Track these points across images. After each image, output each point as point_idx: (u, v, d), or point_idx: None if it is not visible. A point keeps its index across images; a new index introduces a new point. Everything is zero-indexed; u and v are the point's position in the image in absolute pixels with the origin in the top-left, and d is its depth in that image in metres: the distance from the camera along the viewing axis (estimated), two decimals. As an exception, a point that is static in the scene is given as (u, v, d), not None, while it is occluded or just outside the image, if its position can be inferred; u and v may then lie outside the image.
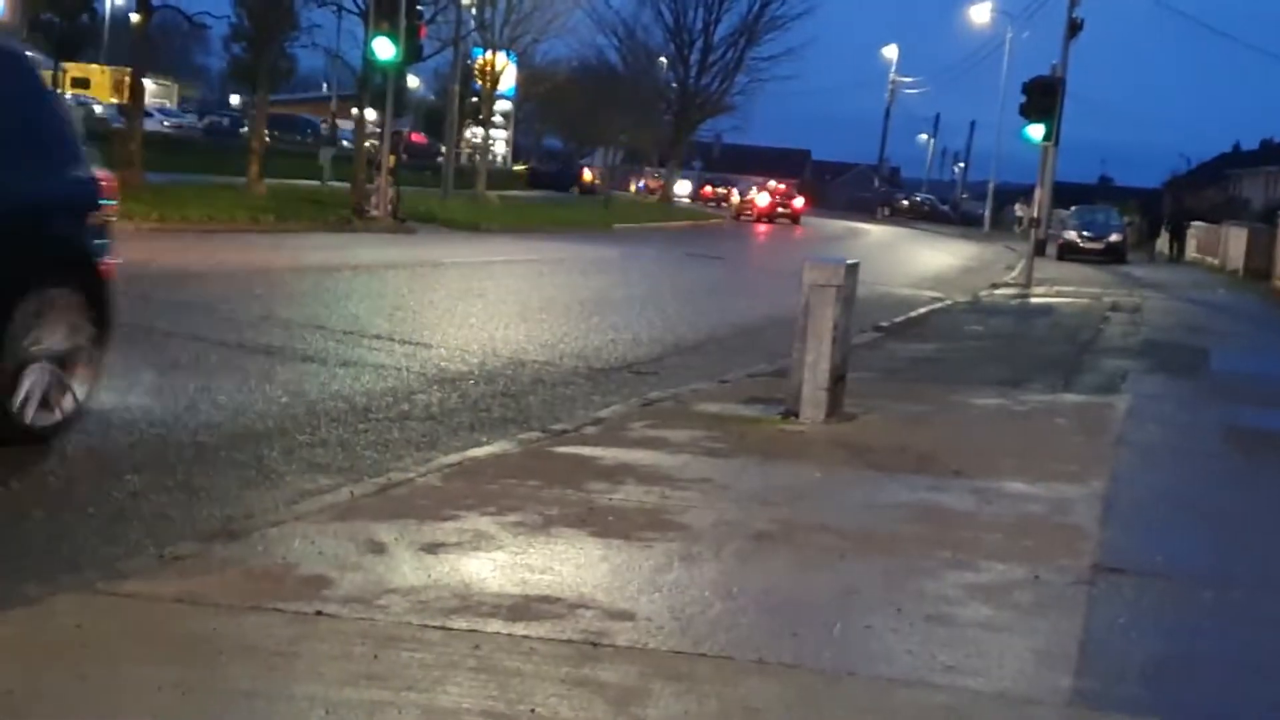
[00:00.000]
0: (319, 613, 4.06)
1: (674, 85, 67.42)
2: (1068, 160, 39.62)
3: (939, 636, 4.22)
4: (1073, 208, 45.86)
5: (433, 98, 69.43)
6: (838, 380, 8.24)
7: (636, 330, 13.32)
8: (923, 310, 18.00)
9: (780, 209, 57.04)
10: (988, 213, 66.79)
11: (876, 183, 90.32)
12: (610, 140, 72.97)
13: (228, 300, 12.70)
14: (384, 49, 26.99)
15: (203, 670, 3.54)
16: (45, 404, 6.38)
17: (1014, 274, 28.40)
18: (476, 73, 47.93)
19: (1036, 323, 17.84)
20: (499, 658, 3.78)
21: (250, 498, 5.80)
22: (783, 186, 57.89)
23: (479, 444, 7.07)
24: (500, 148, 65.37)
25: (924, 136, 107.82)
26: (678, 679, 3.72)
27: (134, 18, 31.73)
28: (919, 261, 36.34)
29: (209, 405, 7.65)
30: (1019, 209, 53.44)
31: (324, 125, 61.78)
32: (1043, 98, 24.25)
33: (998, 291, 24.03)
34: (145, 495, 5.69)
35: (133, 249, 16.72)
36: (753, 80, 67.14)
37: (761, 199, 57.70)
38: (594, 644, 3.95)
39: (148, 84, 33.36)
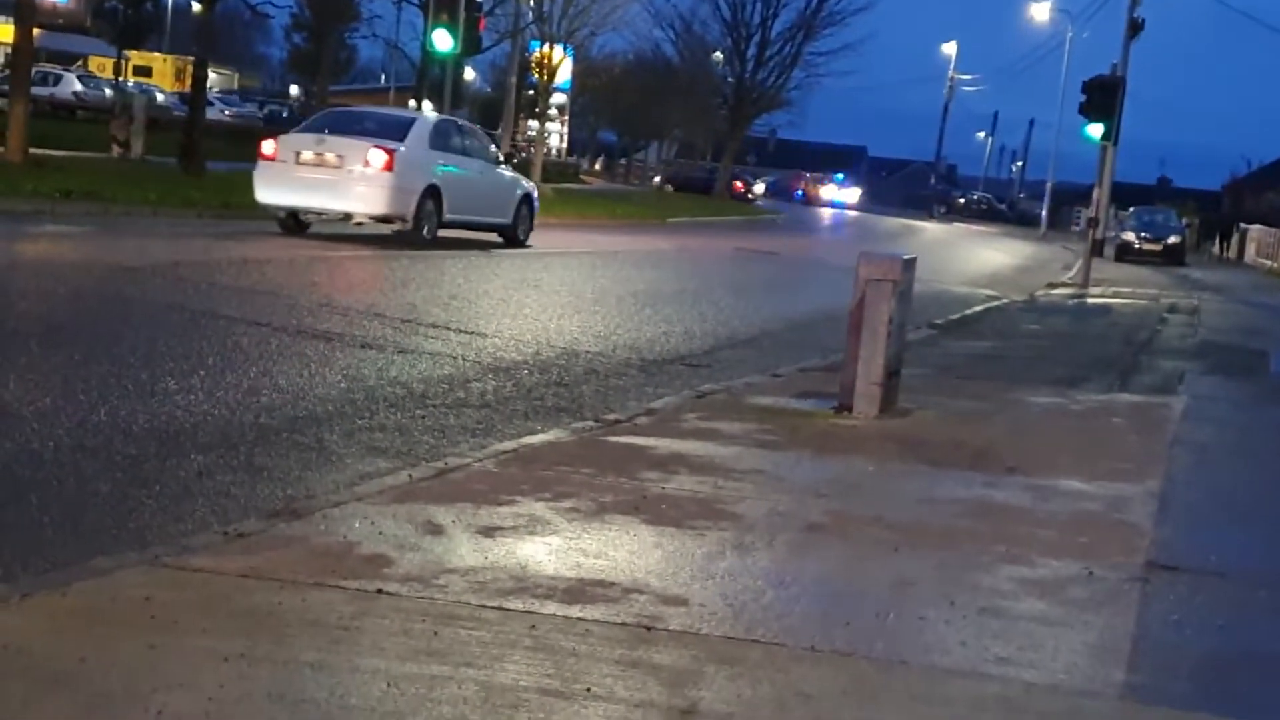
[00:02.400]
0: (380, 591, 4.13)
1: (730, 80, 67.31)
2: (1126, 160, 39.27)
3: (992, 629, 4.25)
4: (1131, 209, 45.52)
5: (489, 90, 69.73)
6: (892, 375, 8.25)
7: (689, 323, 13.37)
8: (979, 308, 17.95)
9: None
10: (1045, 212, 66.34)
11: (933, 180, 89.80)
12: (665, 134, 72.92)
13: (288, 287, 12.85)
14: (443, 41, 27.18)
15: (268, 643, 3.62)
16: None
17: (1071, 274, 28.25)
18: (533, 65, 48.11)
19: (1093, 323, 17.75)
20: (555, 638, 3.84)
21: (311, 478, 5.89)
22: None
23: (533, 432, 7.14)
24: (555, 140, 65.49)
25: (982, 134, 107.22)
26: (731, 663, 3.77)
27: (196, 6, 32.10)
28: (975, 260, 36.18)
29: (271, 388, 7.77)
30: (1083, 212, 53.17)
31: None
32: (1102, 97, 24.10)
33: (1054, 291, 23.92)
34: (210, 474, 5.79)
35: (197, 236, 16.93)
36: (809, 75, 66.97)
37: None
38: (648, 628, 4.00)
39: (209, 73, 33.64)
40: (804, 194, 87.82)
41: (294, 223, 19.30)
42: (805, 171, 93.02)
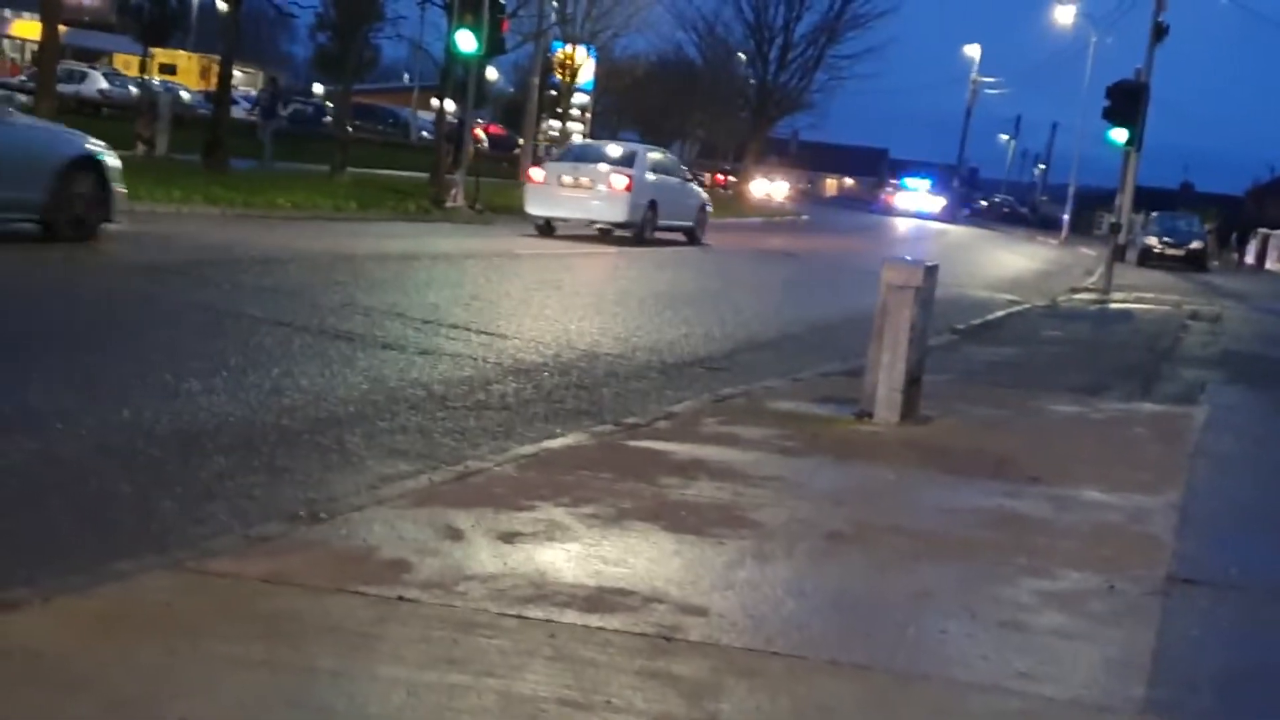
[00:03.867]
0: (400, 597, 4.14)
1: (752, 81, 67.23)
2: (1150, 165, 39.19)
3: (1013, 642, 4.23)
4: (1153, 214, 45.35)
5: (512, 90, 69.81)
6: (913, 382, 8.24)
7: (709, 325, 13.36)
8: (1000, 314, 17.89)
9: None
10: (1067, 216, 66.11)
11: (955, 183, 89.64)
12: (687, 135, 72.89)
13: (310, 287, 12.89)
14: (466, 42, 27.22)
15: (289, 649, 3.63)
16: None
17: (1093, 279, 28.12)
18: (556, 66, 48.14)
19: (1115, 329, 17.68)
20: (574, 647, 3.84)
21: (333, 481, 5.90)
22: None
23: (553, 435, 7.15)
24: (577, 140, 65.53)
25: (1004, 137, 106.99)
26: (750, 675, 3.76)
27: (221, 5, 32.23)
28: (996, 264, 36.07)
29: (292, 389, 7.78)
30: (1105, 217, 52.85)
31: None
32: (1126, 102, 24.01)
33: (1076, 296, 23.83)
34: (231, 476, 5.81)
35: (221, 235, 16.98)
36: (832, 78, 66.81)
37: None
38: (667, 638, 4.00)
39: (234, 71, 33.74)
40: (884, 205, 77.56)
41: (548, 227, 25.60)
42: (892, 179, 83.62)
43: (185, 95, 48.60)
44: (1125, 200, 28.37)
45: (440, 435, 7.06)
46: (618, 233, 25.38)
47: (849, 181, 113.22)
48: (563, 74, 48.51)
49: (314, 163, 32.01)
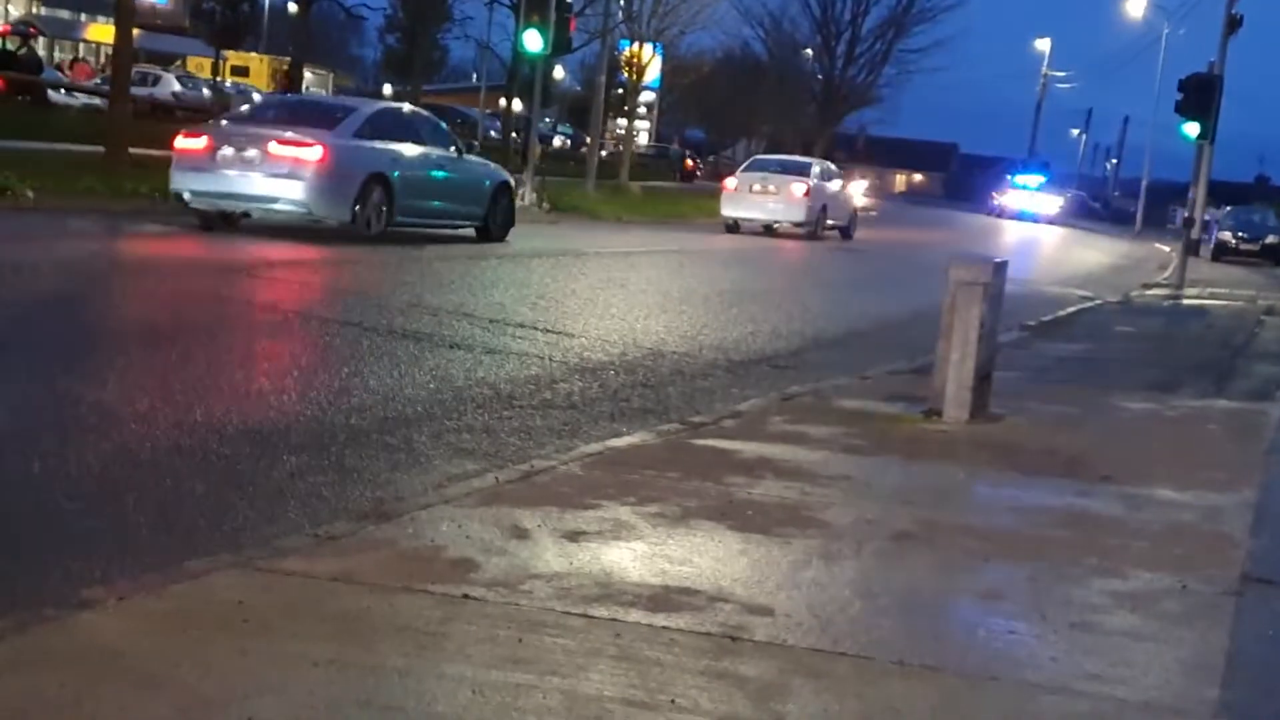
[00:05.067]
0: (466, 596, 4.16)
1: (819, 77, 66.94)
2: (1224, 158, 38.53)
3: (1084, 644, 4.19)
4: (1227, 208, 44.73)
5: (579, 89, 69.98)
6: (983, 379, 8.17)
7: (776, 323, 13.32)
8: (1072, 310, 17.72)
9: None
10: (1140, 211, 65.28)
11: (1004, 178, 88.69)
12: (753, 132, 72.71)
13: (378, 286, 12.98)
14: (533, 41, 27.37)
15: (357, 648, 3.66)
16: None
17: (1166, 274, 27.80)
18: (623, 64, 48.20)
19: (1189, 325, 17.45)
20: (639, 647, 3.84)
21: (400, 480, 5.95)
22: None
23: (619, 434, 7.15)
24: (643, 139, 65.59)
25: (1076, 131, 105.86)
26: (817, 676, 3.75)
27: (292, 7, 32.52)
28: (1068, 259, 35.71)
29: (361, 389, 7.85)
30: (1179, 211, 51.90)
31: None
32: (1199, 95, 23.69)
33: (1149, 292, 23.56)
34: (301, 475, 5.87)
35: (295, 237, 17.16)
36: (900, 72, 66.42)
37: None
38: (733, 638, 3.99)
39: (304, 73, 34.05)
40: (997, 206, 67.06)
41: (735, 226, 30.88)
42: (1009, 177, 72.11)
43: (257, 98, 49.11)
44: (1199, 194, 27.94)
45: (506, 434, 7.09)
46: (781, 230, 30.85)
47: (917, 177, 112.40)
48: (629, 72, 48.55)
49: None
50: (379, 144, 17.59)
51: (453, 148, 19.32)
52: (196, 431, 6.45)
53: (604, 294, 14.50)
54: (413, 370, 8.61)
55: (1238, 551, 5.42)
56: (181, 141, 17.23)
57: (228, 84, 38.50)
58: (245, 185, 16.52)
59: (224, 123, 18.58)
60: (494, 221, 19.76)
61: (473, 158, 20.51)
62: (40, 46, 54.90)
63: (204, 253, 15.27)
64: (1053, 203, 68.31)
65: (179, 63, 59.86)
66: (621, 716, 3.36)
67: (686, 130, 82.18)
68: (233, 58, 60.74)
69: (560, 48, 29.53)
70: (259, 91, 53.35)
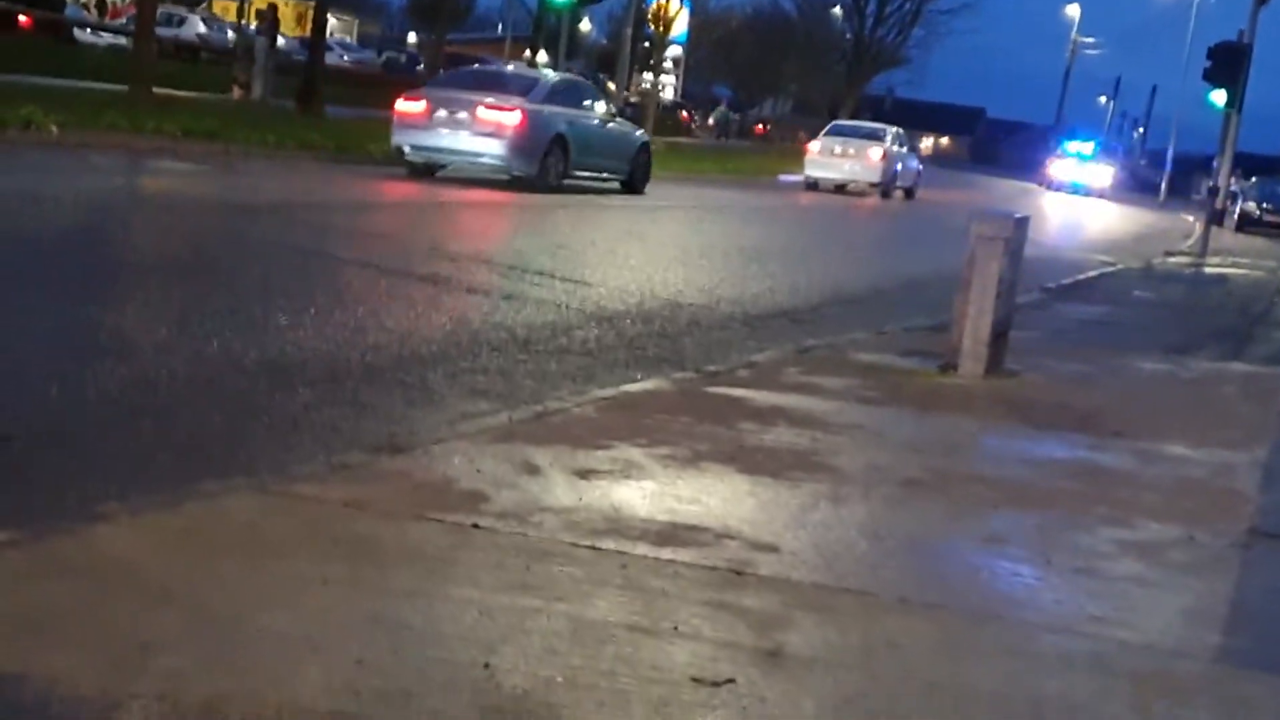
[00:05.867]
0: (476, 525, 4.20)
1: (848, 36, 66.53)
2: (1251, 129, 38.26)
3: (1088, 588, 4.21)
4: (1254, 178, 44.45)
5: (605, 41, 69.65)
6: (1000, 336, 8.16)
7: (795, 279, 13.31)
8: (1093, 274, 17.66)
9: None
10: (1165, 180, 64.84)
11: (1052, 145, 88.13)
12: (780, 90, 72.35)
13: (399, 231, 13.02)
14: (561, -9, 27.25)
15: (367, 570, 3.70)
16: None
17: (1189, 242, 27.66)
18: (650, 17, 47.94)
19: (1209, 292, 17.40)
20: (645, 578, 3.88)
21: (414, 416, 5.99)
22: None
23: (634, 380, 7.18)
24: (669, 94, 65.26)
25: (1103, 99, 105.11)
26: (819, 610, 3.78)
27: (318, -49, 32.40)
28: (1092, 225, 35.58)
29: (378, 329, 7.89)
30: (1204, 181, 50.99)
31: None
32: (1227, 63, 23.54)
33: (1171, 259, 23.45)
34: (317, 408, 5.91)
35: (314, 180, 17.22)
36: (929, 34, 65.98)
37: None
38: (738, 572, 4.03)
39: (329, 19, 33.93)
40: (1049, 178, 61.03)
41: (815, 184, 34.65)
42: (1060, 145, 65.47)
43: (281, 41, 48.97)
44: (1224, 164, 27.80)
45: (521, 377, 7.13)
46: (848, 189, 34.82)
47: (944, 141, 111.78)
48: (656, 25, 48.31)
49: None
50: (559, 109, 21.03)
51: (607, 112, 23.13)
52: (216, 363, 6.49)
53: (623, 246, 14.51)
54: (430, 312, 8.66)
55: (1247, 507, 5.43)
56: (402, 105, 20.58)
57: (251, 27, 38.36)
58: (455, 142, 19.97)
59: (433, 88, 21.90)
60: (636, 176, 23.34)
61: (621, 120, 24.12)
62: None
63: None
64: (1103, 174, 61.54)
65: (204, 5, 59.72)
66: (625, 641, 3.40)
67: (713, 87, 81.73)
68: (257, 1, 60.52)
69: (587, -1, 29.43)
70: (283, 35, 53.25)
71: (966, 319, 8.04)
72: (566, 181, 21.01)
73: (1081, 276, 16.81)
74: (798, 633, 3.58)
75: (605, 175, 22.62)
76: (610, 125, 22.88)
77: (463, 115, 19.84)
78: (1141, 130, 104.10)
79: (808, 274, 13.77)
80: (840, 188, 34.68)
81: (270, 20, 32.85)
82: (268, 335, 7.26)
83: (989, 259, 8.01)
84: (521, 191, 19.77)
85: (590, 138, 21.74)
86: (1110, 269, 19.19)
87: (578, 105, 22.00)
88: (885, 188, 34.79)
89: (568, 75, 25.36)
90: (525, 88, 20.98)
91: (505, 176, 20.31)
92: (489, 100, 20.01)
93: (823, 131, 37.50)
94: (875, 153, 34.58)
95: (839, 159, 34.62)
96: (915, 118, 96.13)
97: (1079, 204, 49.07)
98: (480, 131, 19.78)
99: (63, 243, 10.09)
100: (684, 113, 67.23)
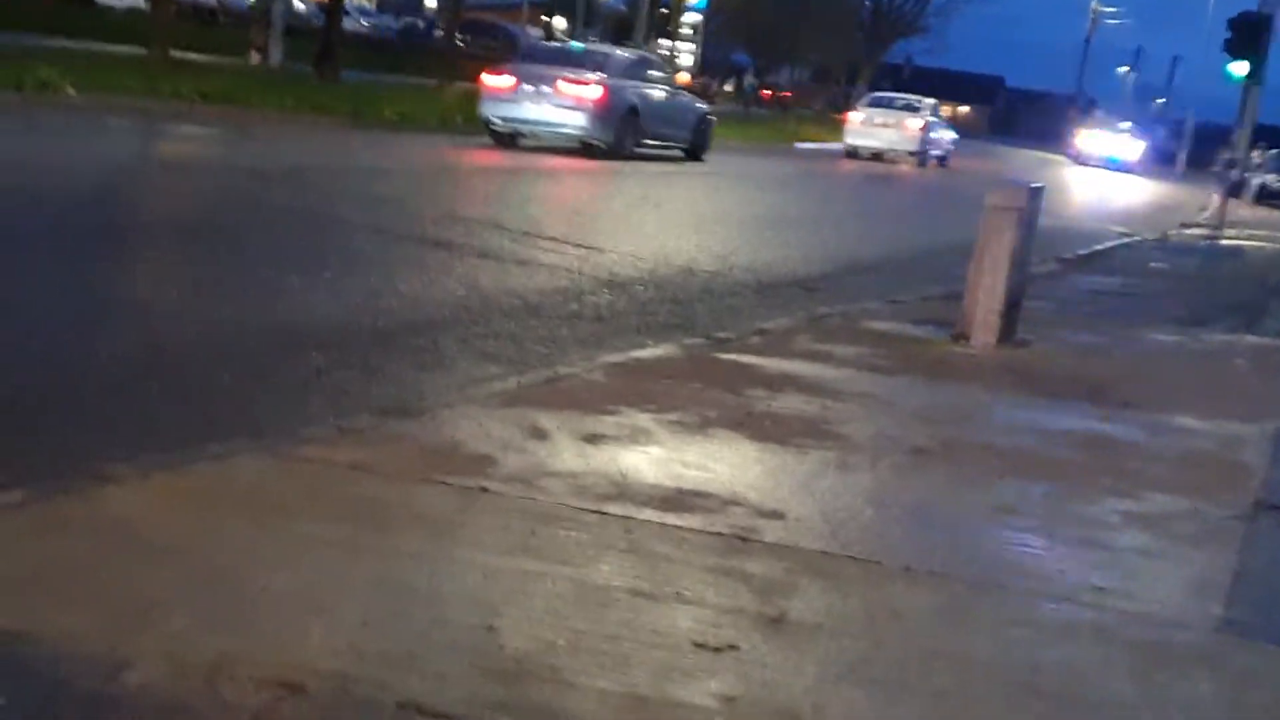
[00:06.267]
0: (482, 489, 4.21)
1: (867, 3, 66.20)
2: (1273, 101, 38.01)
3: (1092, 559, 4.22)
4: (1271, 151, 44.19)
5: (623, 8, 69.31)
6: (1012, 306, 8.15)
7: (809, 247, 13.29)
8: (1108, 245, 17.59)
9: None
10: (1184, 152, 64.44)
11: (1071, 115, 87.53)
12: (798, 58, 71.99)
13: (413, 196, 13.02)
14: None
15: (372, 531, 3.72)
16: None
17: (1206, 215, 27.50)
18: (668, -16, 47.67)
19: (1224, 264, 17.32)
20: (650, 543, 3.90)
21: (424, 380, 6.00)
22: None
23: (644, 346, 7.18)
24: (686, 60, 64.95)
25: (1124, 69, 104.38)
26: (823, 577, 3.79)
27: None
28: (1109, 197, 35.42)
29: (389, 293, 7.90)
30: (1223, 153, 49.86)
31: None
32: (1248, 35, 23.34)
33: (1187, 231, 23.34)
34: (326, 372, 5.93)
35: (329, 144, 17.21)
36: (949, 1, 65.59)
37: None
38: (743, 538, 4.04)
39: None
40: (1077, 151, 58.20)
41: (855, 153, 35.90)
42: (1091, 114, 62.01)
43: (300, 6, 48.77)
44: (1243, 136, 27.64)
45: (532, 342, 7.14)
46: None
47: (963, 110, 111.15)
48: (674, -8, 48.07)
49: (424, 76, 32.09)
50: (631, 82, 23.07)
51: (672, 85, 25.33)
52: (201, 322, 6.51)
53: (638, 212, 14.48)
54: (441, 278, 8.67)
55: (1254, 480, 5.42)
56: (488, 79, 22.44)
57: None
58: (540, 114, 21.70)
59: (518, 64, 23.54)
60: (698, 144, 25.11)
61: (684, 93, 26.41)
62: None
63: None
64: (1134, 148, 58.68)
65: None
66: (627, 605, 3.41)
67: (731, 54, 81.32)
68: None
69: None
70: (302, 0, 53.11)
71: (979, 289, 8.02)
72: (637, 149, 22.78)
73: (1097, 248, 16.74)
74: (801, 599, 3.59)
75: (671, 144, 24.29)
76: (675, 97, 24.83)
77: (546, 89, 21.62)
78: (1162, 101, 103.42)
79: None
80: (877, 156, 35.66)
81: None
82: (279, 299, 7.28)
83: (1002, 229, 7.99)
84: (597, 159, 21.36)
85: (658, 109, 23.61)
86: (1126, 240, 19.11)
87: (647, 79, 23.94)
88: (921, 157, 36.05)
89: (638, 51, 27.60)
90: (602, 63, 22.94)
91: (582, 144, 21.82)
92: (570, 75, 21.85)
93: (862, 102, 39.44)
94: (913, 123, 36.06)
95: (879, 129, 36.01)
96: (934, 86, 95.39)
97: (1101, 176, 48.75)
98: (563, 104, 21.56)
99: (76, 205, 10.11)
100: (688, 78, 66.79)
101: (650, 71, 24.63)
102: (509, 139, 22.21)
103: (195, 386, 5.47)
